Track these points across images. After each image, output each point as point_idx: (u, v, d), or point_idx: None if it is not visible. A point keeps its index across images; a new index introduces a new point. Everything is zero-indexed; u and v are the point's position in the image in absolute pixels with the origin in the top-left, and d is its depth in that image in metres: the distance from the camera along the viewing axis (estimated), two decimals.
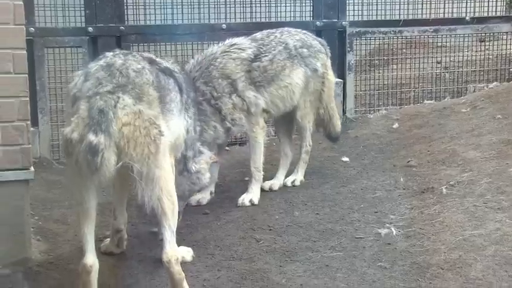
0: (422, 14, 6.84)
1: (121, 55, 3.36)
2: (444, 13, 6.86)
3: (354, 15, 6.72)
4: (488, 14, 6.93)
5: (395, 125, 6.13)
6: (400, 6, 6.76)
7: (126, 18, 5.97)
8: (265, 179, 4.94)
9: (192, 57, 4.92)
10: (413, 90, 6.91)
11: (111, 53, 3.38)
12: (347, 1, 6.59)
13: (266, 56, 4.76)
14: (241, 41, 4.82)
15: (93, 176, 3.03)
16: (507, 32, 7.02)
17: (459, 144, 5.22)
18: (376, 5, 6.77)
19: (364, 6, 6.76)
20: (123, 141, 3.03)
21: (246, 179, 5.02)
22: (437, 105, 6.51)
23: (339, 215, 4.38)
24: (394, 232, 4.02)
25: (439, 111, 6.26)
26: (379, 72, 7.06)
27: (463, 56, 7.07)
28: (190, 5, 6.24)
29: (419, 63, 6.98)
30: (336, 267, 3.69)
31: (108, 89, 3.11)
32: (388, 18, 6.76)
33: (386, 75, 6.95)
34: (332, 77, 5.20)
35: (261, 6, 6.53)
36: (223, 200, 4.75)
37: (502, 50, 7.10)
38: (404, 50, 7.34)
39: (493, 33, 7.14)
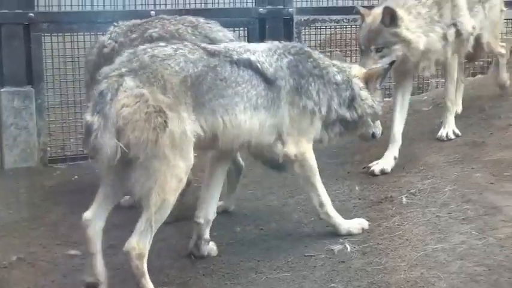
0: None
1: (162, 43, 3.79)
2: None
3: (302, 0, 6.79)
4: None
5: None
6: None
7: (36, 4, 5.86)
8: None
9: None
10: None
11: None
12: None
13: None
14: None
15: (96, 157, 3.42)
16: None
17: (420, 147, 5.33)
18: None
19: None
20: (122, 122, 3.38)
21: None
22: None
23: (287, 231, 4.40)
24: (349, 248, 4.06)
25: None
26: None
27: None
28: None
29: None
30: None
31: (118, 72, 3.51)
32: (340, 4, 6.84)
33: None
34: None
35: None
36: None
37: None
38: None
39: None
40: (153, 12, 6.03)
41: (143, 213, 3.49)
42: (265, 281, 3.80)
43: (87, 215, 3.60)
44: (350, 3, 6.87)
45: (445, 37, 5.16)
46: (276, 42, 4.20)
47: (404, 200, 4.55)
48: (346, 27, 7.11)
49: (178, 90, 3.54)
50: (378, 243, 4.09)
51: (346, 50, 7.24)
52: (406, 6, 5.04)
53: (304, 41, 6.78)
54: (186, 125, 3.54)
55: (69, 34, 6.02)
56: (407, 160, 5.16)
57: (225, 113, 3.73)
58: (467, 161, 4.88)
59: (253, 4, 6.64)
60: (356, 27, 7.09)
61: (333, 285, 3.70)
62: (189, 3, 6.58)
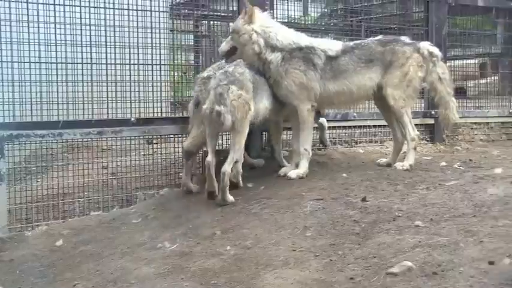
0: (84, 115, 7.01)
1: (232, 66, 6.45)
2: (108, 114, 7.12)
3: (4, 116, 6.62)
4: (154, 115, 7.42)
5: (59, 242, 6.08)
6: (58, 107, 6.86)
7: None
8: None
9: None
10: (78, 201, 6.97)
11: (228, 65, 6.53)
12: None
13: None
14: None
15: (220, 128, 6.25)
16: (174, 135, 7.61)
17: (131, 260, 5.35)
18: (31, 104, 6.78)
19: (17, 106, 6.72)
20: (233, 109, 6.12)
21: None
22: (105, 216, 6.69)
23: None
24: None
25: (108, 223, 6.43)
26: (37, 181, 6.98)
27: (131, 161, 7.43)
28: None
29: (83, 169, 7.13)
30: None
31: (224, 82, 6.20)
32: (45, 119, 6.78)
33: (46, 184, 6.90)
34: None
35: None
36: None
37: (170, 153, 7.66)
38: (66, 155, 7.42)
39: (161, 135, 7.65)
40: None
41: (230, 150, 6.30)
42: None
43: (209, 158, 6.26)
44: (55, 118, 6.79)
45: None
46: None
47: None
48: (51, 142, 7.06)
49: (250, 91, 6.29)
50: None
51: (52, 165, 7.15)
52: None
53: (8, 156, 6.58)
54: (252, 107, 6.29)
55: None
56: (119, 274, 5.13)
57: (261, 100, 6.61)
58: (177, 272, 5.00)
59: None
60: (62, 142, 7.10)
61: None
62: None
